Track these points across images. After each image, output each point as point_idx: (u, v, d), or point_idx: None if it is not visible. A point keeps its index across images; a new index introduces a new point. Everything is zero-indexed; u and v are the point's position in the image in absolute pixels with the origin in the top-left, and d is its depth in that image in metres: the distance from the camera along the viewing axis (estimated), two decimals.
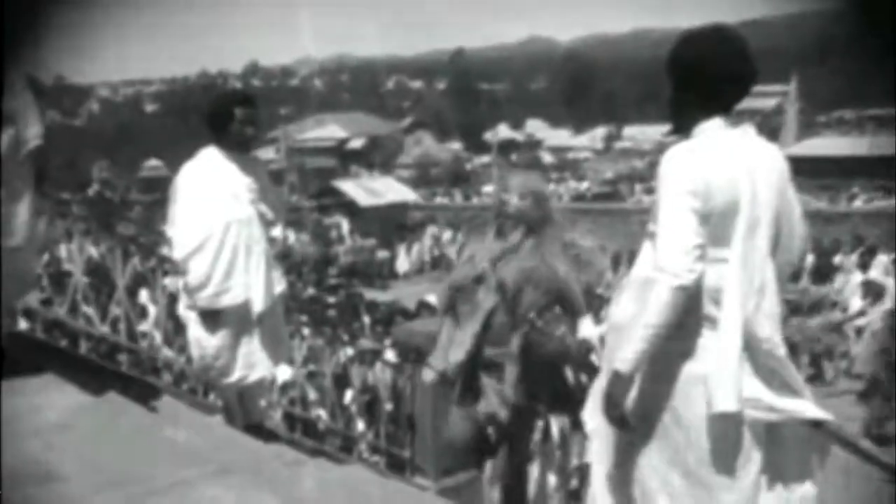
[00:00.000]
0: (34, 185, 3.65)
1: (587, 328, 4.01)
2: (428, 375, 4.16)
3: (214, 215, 4.19)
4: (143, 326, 7.67)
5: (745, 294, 2.48)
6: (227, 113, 4.28)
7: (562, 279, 3.88)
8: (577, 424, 3.71)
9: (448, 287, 4.14)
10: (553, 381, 3.98)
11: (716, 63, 2.56)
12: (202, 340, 4.29)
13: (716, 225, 2.47)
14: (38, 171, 3.67)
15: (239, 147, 4.35)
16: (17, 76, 3.55)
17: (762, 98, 50.71)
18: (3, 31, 3.46)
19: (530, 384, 3.91)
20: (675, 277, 2.42)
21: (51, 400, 3.52)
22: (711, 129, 2.56)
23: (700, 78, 2.58)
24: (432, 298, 13.29)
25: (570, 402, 3.85)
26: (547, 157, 65.25)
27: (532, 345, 3.87)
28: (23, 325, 6.42)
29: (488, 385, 3.91)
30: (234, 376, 4.34)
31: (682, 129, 2.65)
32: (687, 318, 2.48)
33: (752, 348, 2.49)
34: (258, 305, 4.27)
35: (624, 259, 17.08)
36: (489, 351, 3.91)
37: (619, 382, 2.52)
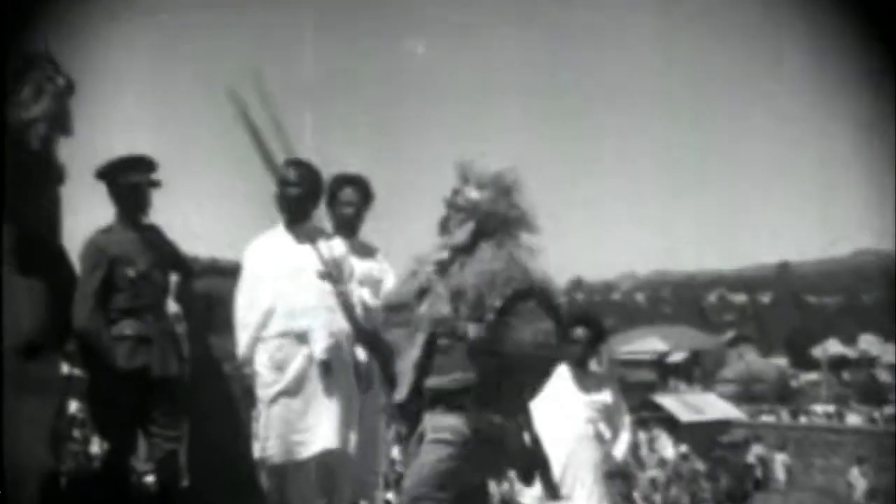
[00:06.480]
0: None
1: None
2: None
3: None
4: None
5: None
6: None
7: (539, 279, 3.05)
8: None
9: (382, 310, 3.40)
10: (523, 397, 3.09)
11: None
12: None
13: None
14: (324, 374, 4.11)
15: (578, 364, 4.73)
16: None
17: None
18: None
19: (496, 402, 2.98)
20: None
21: None
22: None
23: None
24: None
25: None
26: (883, 376, 61.33)
27: (500, 341, 2.91)
28: None
29: (429, 423, 3.02)
30: None
31: None
32: None
33: None
34: None
35: None
36: (433, 381, 3.03)
37: None
